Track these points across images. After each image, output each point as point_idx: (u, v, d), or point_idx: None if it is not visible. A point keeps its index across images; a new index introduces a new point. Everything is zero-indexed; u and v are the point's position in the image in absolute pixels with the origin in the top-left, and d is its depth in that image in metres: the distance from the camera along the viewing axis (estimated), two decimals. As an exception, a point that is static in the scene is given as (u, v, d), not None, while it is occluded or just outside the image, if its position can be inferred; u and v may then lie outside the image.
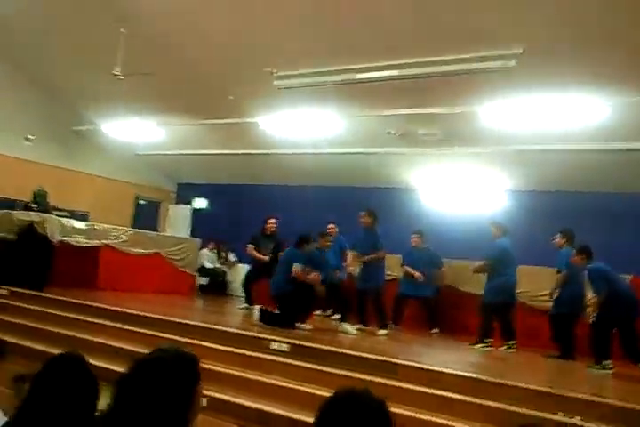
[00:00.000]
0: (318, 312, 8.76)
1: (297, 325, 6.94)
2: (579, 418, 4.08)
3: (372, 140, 9.35)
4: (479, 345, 7.08)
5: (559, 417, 4.08)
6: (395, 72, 7.26)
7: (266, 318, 6.96)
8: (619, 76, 6.56)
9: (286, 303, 6.96)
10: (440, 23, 6.49)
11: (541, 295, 7.91)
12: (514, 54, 6.50)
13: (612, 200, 8.55)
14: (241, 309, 8.79)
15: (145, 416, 1.53)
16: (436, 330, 8.44)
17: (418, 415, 4.28)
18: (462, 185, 9.75)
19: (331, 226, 8.86)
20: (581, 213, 8.08)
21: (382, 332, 7.46)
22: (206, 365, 5.13)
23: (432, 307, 8.58)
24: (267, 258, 8.54)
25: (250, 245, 8.73)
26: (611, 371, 6.08)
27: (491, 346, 7.08)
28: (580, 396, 4.42)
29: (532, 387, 4.55)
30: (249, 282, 8.84)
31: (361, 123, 9.10)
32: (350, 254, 8.49)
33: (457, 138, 8.64)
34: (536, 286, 8.05)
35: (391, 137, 9.00)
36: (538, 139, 7.96)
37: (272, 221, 8.89)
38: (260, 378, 5.13)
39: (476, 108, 7.71)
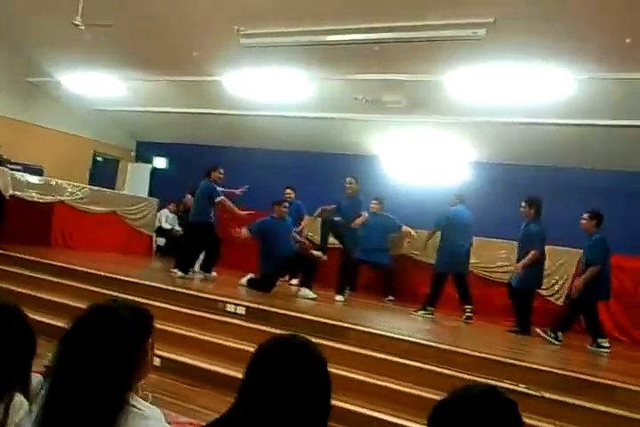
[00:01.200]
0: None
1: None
2: (523, 386, 4.20)
3: (337, 106, 9.22)
4: (420, 312, 7.10)
5: (506, 384, 4.19)
6: (363, 36, 7.15)
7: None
8: (588, 52, 6.57)
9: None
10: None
11: (495, 267, 8.09)
12: (484, 23, 6.44)
13: (573, 175, 8.67)
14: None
15: (91, 367, 1.49)
16: (390, 297, 8.54)
17: (365, 378, 4.37)
18: (426, 154, 9.75)
19: (288, 191, 8.83)
20: (543, 187, 8.16)
21: (339, 297, 7.49)
22: (161, 326, 5.13)
23: (388, 274, 8.68)
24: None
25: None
26: (608, 350, 6.11)
27: (431, 314, 7.10)
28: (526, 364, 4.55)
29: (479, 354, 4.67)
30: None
31: (327, 87, 8.96)
32: (307, 219, 8.60)
33: (422, 106, 8.59)
34: (490, 258, 8.25)
35: (357, 103, 8.89)
36: (503, 111, 7.95)
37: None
38: (215, 340, 5.14)
39: (442, 76, 7.67)
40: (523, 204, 6.84)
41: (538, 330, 6.47)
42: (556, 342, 6.23)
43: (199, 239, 7.79)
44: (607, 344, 6.17)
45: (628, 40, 6.22)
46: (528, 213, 6.80)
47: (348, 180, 7.64)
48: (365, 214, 7.63)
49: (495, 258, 8.45)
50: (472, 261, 7.68)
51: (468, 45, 6.84)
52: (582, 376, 4.40)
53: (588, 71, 6.84)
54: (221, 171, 7.86)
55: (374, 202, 8.72)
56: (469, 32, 6.58)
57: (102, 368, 1.49)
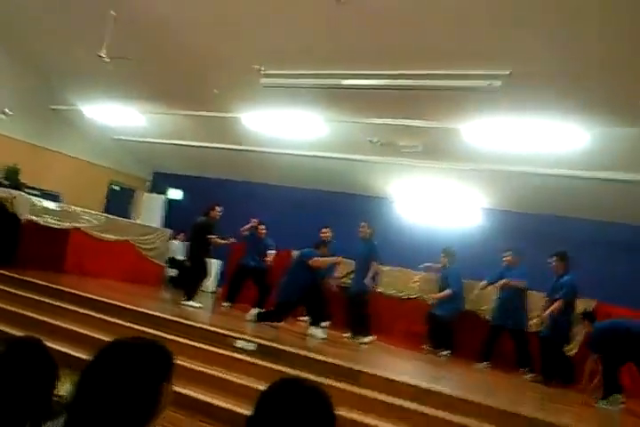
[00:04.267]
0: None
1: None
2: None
3: (353, 147, 9.40)
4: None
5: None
6: (382, 81, 7.34)
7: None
8: (601, 105, 6.74)
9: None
10: (431, 37, 6.56)
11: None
12: (500, 75, 6.63)
13: (582, 227, 8.77)
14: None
15: (107, 405, 1.50)
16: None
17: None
18: (439, 199, 9.88)
19: (324, 230, 8.55)
20: (552, 237, 8.30)
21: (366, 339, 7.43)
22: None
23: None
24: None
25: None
26: (621, 406, 5.91)
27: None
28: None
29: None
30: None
31: (344, 129, 9.15)
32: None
33: (437, 152, 8.75)
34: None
35: (372, 145, 9.08)
36: (516, 160, 8.11)
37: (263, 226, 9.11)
38: (222, 375, 5.17)
39: (458, 124, 7.85)
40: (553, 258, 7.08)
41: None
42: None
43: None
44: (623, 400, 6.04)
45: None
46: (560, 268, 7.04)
47: (361, 224, 7.78)
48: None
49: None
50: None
51: (484, 96, 7.02)
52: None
53: (601, 125, 7.00)
54: (219, 209, 8.43)
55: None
56: (485, 83, 6.78)
57: (120, 405, 1.51)
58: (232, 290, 9.24)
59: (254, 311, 7.58)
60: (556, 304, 6.77)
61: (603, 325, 6.25)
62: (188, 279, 8.63)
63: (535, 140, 7.62)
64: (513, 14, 5.90)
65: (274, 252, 9.01)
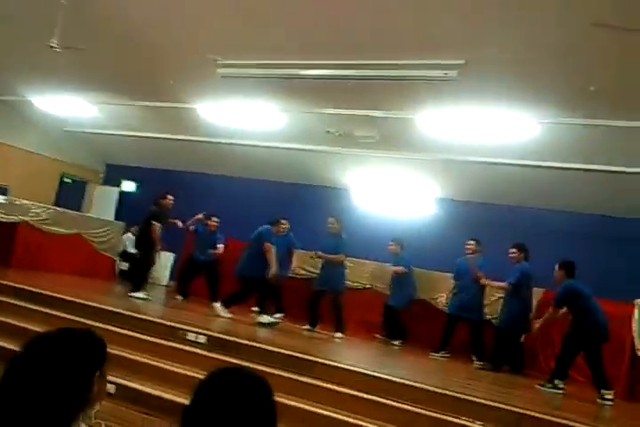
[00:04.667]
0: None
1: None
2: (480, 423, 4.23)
3: (311, 138, 9.34)
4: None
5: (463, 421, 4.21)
6: (339, 72, 7.28)
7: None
8: (552, 96, 6.80)
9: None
10: (387, 27, 6.51)
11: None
12: (456, 65, 6.63)
13: (533, 215, 8.91)
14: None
15: (35, 396, 1.44)
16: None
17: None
18: (394, 189, 9.90)
19: (283, 222, 8.50)
20: (505, 226, 8.39)
21: (338, 335, 7.57)
22: (120, 352, 5.04)
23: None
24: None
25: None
26: (562, 391, 6.11)
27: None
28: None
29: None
30: None
31: (301, 119, 9.07)
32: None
33: (393, 142, 8.76)
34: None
35: (329, 136, 9.03)
36: (470, 150, 8.16)
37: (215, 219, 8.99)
38: (173, 368, 5.06)
39: (414, 114, 7.85)
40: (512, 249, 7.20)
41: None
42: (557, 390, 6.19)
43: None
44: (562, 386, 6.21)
45: (592, 88, 6.47)
46: (519, 258, 7.18)
47: (330, 220, 7.81)
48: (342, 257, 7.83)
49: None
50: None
51: (440, 86, 7.02)
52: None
53: (552, 116, 7.08)
54: (170, 197, 8.30)
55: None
56: (441, 73, 6.77)
57: (45, 397, 1.45)
58: (183, 284, 9.15)
59: (218, 305, 7.46)
60: (499, 283, 7.10)
61: (576, 284, 6.33)
62: (135, 270, 8.54)
63: (489, 130, 7.67)
64: (469, 1, 5.89)
65: (222, 246, 8.96)
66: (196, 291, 9.06)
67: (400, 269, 8.22)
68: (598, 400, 5.96)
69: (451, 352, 7.60)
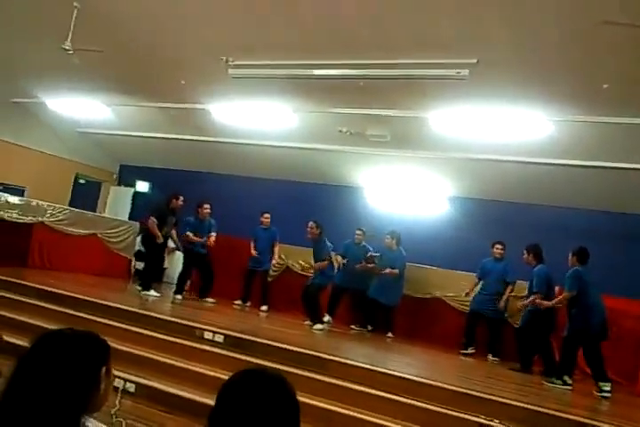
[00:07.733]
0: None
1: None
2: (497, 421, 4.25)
3: (322, 137, 9.37)
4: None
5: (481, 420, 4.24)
6: (351, 71, 7.30)
7: None
8: (566, 95, 6.79)
9: None
10: (400, 26, 6.54)
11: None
12: (468, 64, 6.64)
13: (545, 213, 8.88)
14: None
15: (41, 393, 1.48)
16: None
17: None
18: (407, 187, 9.92)
19: (266, 216, 9.21)
20: (519, 224, 8.40)
21: (318, 326, 7.67)
22: (139, 351, 5.11)
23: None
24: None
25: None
26: (570, 387, 6.10)
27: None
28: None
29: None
30: None
31: (313, 119, 9.09)
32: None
33: (405, 141, 8.76)
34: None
35: (342, 135, 9.05)
36: (483, 149, 8.16)
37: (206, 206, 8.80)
38: (191, 367, 5.12)
39: (426, 113, 7.86)
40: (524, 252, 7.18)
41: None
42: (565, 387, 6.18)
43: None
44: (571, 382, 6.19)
45: (605, 86, 6.46)
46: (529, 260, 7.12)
47: (310, 224, 7.93)
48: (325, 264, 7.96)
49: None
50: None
51: (452, 85, 7.03)
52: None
53: (565, 114, 7.08)
54: (181, 199, 8.50)
55: (359, 232, 8.94)
56: (453, 72, 6.78)
57: (50, 395, 1.49)
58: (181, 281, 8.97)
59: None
60: (534, 297, 6.74)
61: (583, 271, 6.33)
62: (144, 269, 8.83)
63: (500, 129, 7.66)
64: (482, 1, 5.90)
65: (215, 233, 8.70)
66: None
67: (394, 272, 8.30)
68: (595, 393, 5.95)
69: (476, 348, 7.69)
